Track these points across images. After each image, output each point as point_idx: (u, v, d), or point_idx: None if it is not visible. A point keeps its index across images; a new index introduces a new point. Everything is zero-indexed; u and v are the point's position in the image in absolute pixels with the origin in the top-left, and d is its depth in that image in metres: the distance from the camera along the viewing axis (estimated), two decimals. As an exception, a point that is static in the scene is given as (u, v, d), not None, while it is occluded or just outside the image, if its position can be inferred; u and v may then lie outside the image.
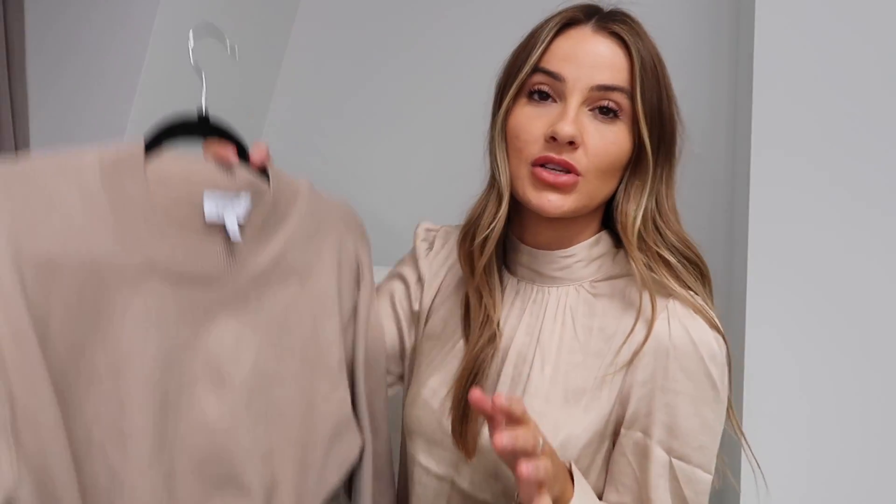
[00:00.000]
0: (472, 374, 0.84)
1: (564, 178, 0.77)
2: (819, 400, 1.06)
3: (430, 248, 0.98)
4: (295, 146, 1.73)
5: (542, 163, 0.78)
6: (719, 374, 0.78)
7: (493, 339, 0.84)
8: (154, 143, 0.76)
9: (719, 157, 1.37)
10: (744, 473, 1.06)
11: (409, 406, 0.90)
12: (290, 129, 1.73)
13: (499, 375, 0.84)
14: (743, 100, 1.20)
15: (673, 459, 0.77)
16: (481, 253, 0.85)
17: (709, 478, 0.78)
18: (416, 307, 0.96)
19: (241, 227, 0.76)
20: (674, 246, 0.81)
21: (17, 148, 1.41)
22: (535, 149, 0.78)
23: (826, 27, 1.07)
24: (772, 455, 1.05)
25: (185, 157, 0.76)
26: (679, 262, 0.80)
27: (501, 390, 0.83)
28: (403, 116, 1.61)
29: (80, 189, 0.68)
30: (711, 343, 0.78)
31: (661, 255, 0.80)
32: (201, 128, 0.80)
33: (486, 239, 0.84)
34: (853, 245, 1.05)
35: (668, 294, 0.79)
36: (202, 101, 0.80)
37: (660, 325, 0.78)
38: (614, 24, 0.79)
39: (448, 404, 0.85)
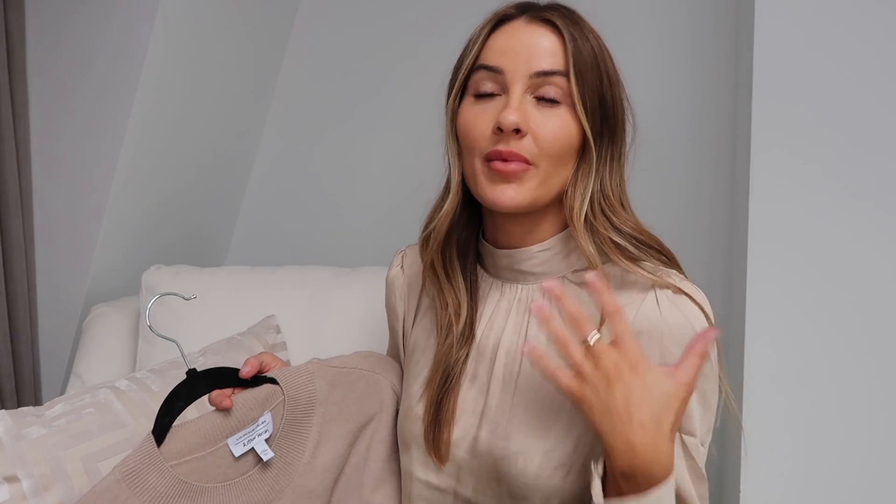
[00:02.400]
0: (443, 377, 0.84)
1: (514, 166, 0.77)
2: (820, 396, 1.06)
3: (402, 270, 0.98)
4: (295, 146, 1.73)
5: (493, 157, 0.78)
6: (711, 346, 0.77)
7: (462, 339, 0.85)
8: (163, 428, 0.82)
9: (719, 157, 1.38)
10: (743, 451, 1.06)
11: (402, 420, 0.89)
12: (290, 130, 1.73)
13: (490, 377, 0.83)
14: (742, 99, 1.20)
15: (683, 437, 0.77)
16: (427, 248, 0.86)
17: (703, 450, 0.79)
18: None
19: (272, 437, 0.84)
20: (626, 232, 0.80)
21: (17, 148, 1.42)
22: (486, 144, 0.78)
23: (826, 26, 1.07)
24: (773, 451, 1.06)
25: (196, 422, 0.83)
26: (634, 246, 0.80)
27: (494, 391, 0.82)
28: (404, 116, 1.61)
29: None
30: (700, 316, 0.78)
31: (612, 240, 0.79)
32: (197, 384, 0.85)
33: (430, 234, 0.85)
34: (853, 243, 1.06)
35: (641, 278, 0.79)
36: (185, 361, 0.86)
37: (650, 304, 0.78)
38: (546, 13, 0.80)
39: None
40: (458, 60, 0.84)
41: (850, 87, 1.06)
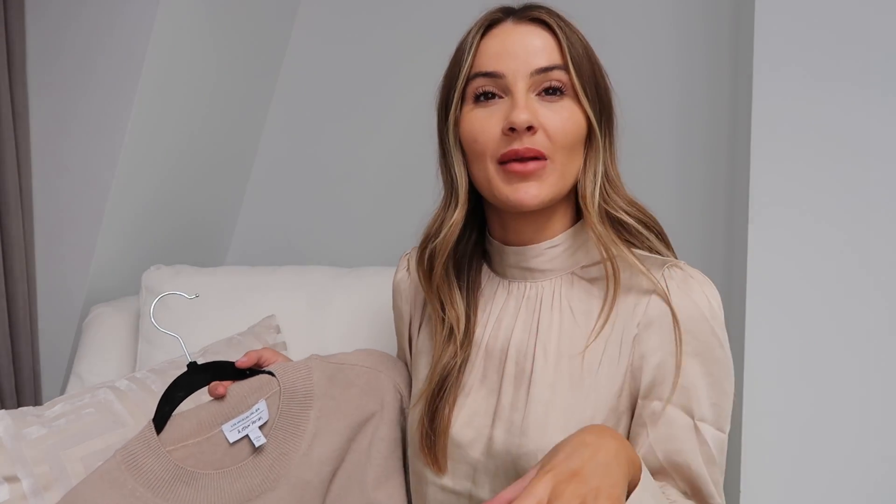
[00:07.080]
0: (438, 387, 0.85)
1: (532, 165, 0.78)
2: (820, 394, 1.06)
3: (408, 273, 0.98)
4: (295, 146, 1.73)
5: (509, 158, 0.78)
6: (722, 332, 0.80)
7: (462, 348, 0.86)
8: (163, 417, 0.86)
9: (719, 156, 1.37)
10: (744, 442, 1.06)
11: (410, 425, 0.90)
12: (290, 129, 1.73)
13: (502, 376, 0.84)
14: (742, 99, 1.20)
15: (696, 422, 0.78)
16: (432, 265, 0.86)
17: (723, 436, 0.79)
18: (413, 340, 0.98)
19: (266, 425, 0.86)
20: (630, 211, 0.83)
21: (17, 148, 1.42)
22: (498, 146, 0.79)
23: (826, 21, 1.07)
24: (772, 450, 1.06)
25: (194, 410, 0.86)
26: (639, 223, 0.83)
27: (506, 390, 0.82)
28: (404, 116, 1.61)
29: (112, 487, 0.81)
30: (711, 302, 0.79)
31: (620, 220, 0.82)
32: (197, 376, 0.88)
33: (434, 248, 0.85)
34: (853, 242, 1.06)
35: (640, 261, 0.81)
36: (186, 354, 0.90)
37: (660, 291, 0.80)
38: (532, 12, 0.82)
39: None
40: (450, 70, 0.84)
41: (850, 79, 1.06)
